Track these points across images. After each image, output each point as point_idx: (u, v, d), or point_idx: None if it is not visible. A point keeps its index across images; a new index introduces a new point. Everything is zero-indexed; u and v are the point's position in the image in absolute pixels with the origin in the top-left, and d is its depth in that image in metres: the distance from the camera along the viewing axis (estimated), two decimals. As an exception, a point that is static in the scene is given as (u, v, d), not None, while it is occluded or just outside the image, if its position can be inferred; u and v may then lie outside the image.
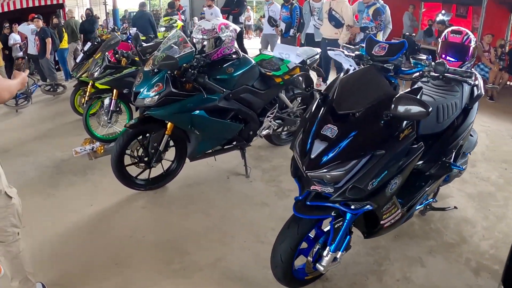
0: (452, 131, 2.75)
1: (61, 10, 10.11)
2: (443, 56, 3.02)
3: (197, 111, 3.33)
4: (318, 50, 4.52)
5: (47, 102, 7.41)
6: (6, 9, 9.02)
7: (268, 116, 4.03)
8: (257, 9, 22.69)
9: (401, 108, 1.90)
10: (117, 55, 4.93)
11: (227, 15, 8.13)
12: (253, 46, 8.41)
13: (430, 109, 1.92)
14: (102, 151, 4.72)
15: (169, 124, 3.41)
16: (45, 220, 3.36)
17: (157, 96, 3.18)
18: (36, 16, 7.98)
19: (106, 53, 4.79)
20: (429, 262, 2.79)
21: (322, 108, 2.16)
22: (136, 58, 4.67)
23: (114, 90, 4.77)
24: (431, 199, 3.07)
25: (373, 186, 2.02)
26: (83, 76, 5.83)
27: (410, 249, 2.89)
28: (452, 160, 2.76)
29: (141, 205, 3.55)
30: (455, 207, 3.32)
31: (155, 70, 3.24)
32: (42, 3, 9.75)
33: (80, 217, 3.39)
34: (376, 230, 2.42)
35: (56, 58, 8.61)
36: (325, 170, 1.97)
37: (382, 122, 1.99)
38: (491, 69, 7.94)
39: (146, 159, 3.55)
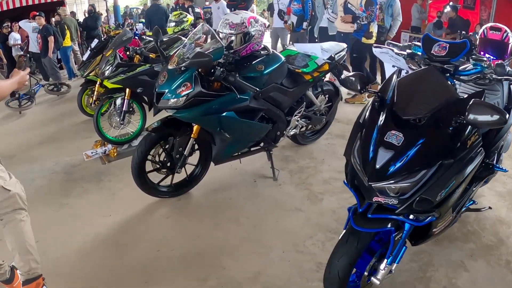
0: (495, 132, 2.56)
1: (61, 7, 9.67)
2: (482, 53, 2.83)
3: (227, 112, 2.98)
4: (344, 45, 4.17)
5: (51, 102, 7.02)
6: (5, 8, 8.58)
7: (296, 115, 3.71)
8: (257, 2, 22.19)
9: (476, 116, 1.72)
10: (128, 52, 4.55)
11: (234, 10, 7.74)
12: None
13: (507, 116, 1.77)
14: (115, 154, 4.37)
15: (195, 127, 3.07)
16: (60, 234, 3.02)
17: (184, 97, 2.83)
18: (37, 13, 7.56)
19: (118, 50, 4.41)
20: (471, 266, 2.60)
21: (381, 112, 1.97)
22: (151, 55, 4.28)
23: (127, 90, 4.41)
24: (472, 201, 2.83)
25: (441, 196, 1.85)
26: (90, 74, 5.48)
27: (452, 253, 2.71)
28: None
29: (165, 214, 3.21)
30: (490, 207, 3.08)
31: (182, 68, 2.89)
32: (42, 1, 9.32)
33: (99, 230, 3.05)
34: (427, 237, 2.25)
35: (59, 57, 8.21)
36: (392, 182, 1.79)
37: (450, 129, 1.82)
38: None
39: (169, 164, 3.21)
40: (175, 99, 2.84)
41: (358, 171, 1.92)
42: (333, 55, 3.86)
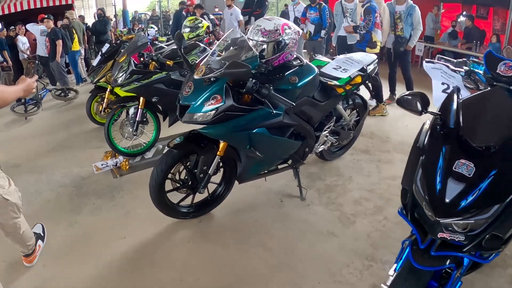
0: None
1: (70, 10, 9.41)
2: None
3: (258, 129, 2.68)
4: (374, 56, 3.89)
5: (58, 108, 6.72)
6: (13, 10, 8.31)
7: (325, 130, 3.41)
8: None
9: None
10: (142, 58, 4.25)
11: (248, 17, 7.48)
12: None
13: None
14: (127, 167, 4.06)
15: (222, 144, 2.77)
16: (70, 257, 2.73)
17: (213, 111, 2.52)
18: (46, 16, 7.29)
19: (132, 56, 4.11)
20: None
21: (444, 136, 1.81)
22: (168, 62, 3.97)
23: (141, 98, 4.11)
24: None
25: (510, 233, 1.69)
26: (101, 81, 5.21)
27: (493, 280, 2.49)
28: None
29: (186, 237, 2.90)
30: None
31: (212, 79, 2.58)
32: (51, 4, 9.05)
33: (113, 253, 2.74)
34: (477, 268, 2.06)
35: (67, 61, 7.93)
36: (464, 217, 1.59)
37: None
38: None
39: (190, 183, 2.90)
40: (203, 114, 2.54)
41: (423, 204, 1.71)
42: (364, 67, 3.58)
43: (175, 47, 4.38)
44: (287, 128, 2.93)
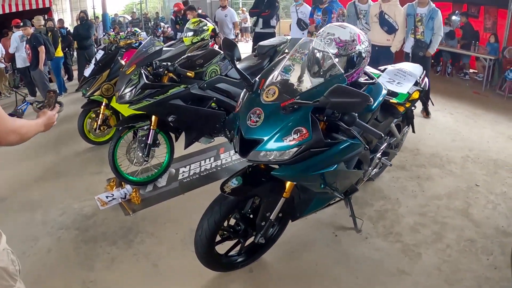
0: None
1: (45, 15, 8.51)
2: None
3: (338, 164, 2.08)
4: (420, 67, 3.40)
5: (42, 124, 5.86)
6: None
7: (379, 152, 2.86)
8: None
9: None
10: (149, 68, 3.49)
11: (257, 18, 6.83)
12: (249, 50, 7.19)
13: None
14: (139, 200, 3.37)
15: (288, 184, 2.15)
16: None
17: (295, 149, 1.90)
18: (21, 22, 6.39)
19: (143, 67, 3.37)
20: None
21: None
22: (189, 73, 3.21)
23: (153, 117, 3.43)
24: None
25: None
26: (95, 94, 4.47)
27: None
28: None
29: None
30: None
31: (295, 106, 1.95)
32: (27, 8, 8.09)
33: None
34: None
35: (49, 69, 7.06)
36: None
37: None
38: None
39: (243, 229, 2.27)
40: (280, 152, 1.91)
41: None
42: (418, 80, 3.06)
43: (203, 51, 3.70)
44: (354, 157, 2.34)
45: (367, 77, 2.40)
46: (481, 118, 5.34)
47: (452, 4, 10.35)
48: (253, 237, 2.31)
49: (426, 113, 5.38)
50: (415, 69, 3.23)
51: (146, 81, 3.24)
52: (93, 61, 4.73)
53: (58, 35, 7.08)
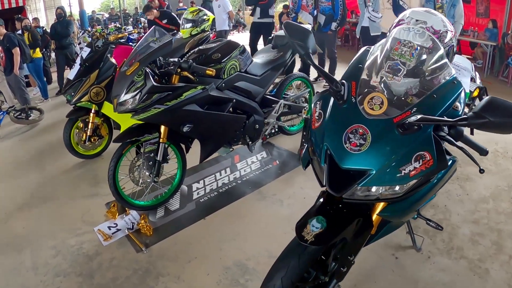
0: None
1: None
2: None
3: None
4: (468, 61, 2.86)
5: (21, 135, 5.01)
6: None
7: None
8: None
9: None
10: (152, 65, 2.75)
11: (254, 8, 6.15)
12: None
13: None
14: (151, 230, 2.68)
15: (375, 218, 1.54)
16: None
17: (414, 181, 1.35)
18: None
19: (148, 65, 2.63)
20: None
21: None
22: (209, 71, 2.52)
23: (162, 127, 2.73)
24: None
25: None
26: (82, 100, 3.72)
27: None
28: None
29: None
30: None
31: (420, 125, 1.34)
32: (-1, 7, 7.15)
33: None
34: None
35: (26, 73, 6.18)
36: None
37: None
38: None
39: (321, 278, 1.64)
40: (395, 186, 1.29)
41: None
42: (473, 76, 2.52)
43: (215, 45, 3.00)
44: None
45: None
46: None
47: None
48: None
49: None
50: (465, 62, 2.70)
51: (154, 83, 2.53)
52: (77, 61, 3.95)
53: (37, 34, 6.20)
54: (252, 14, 6.27)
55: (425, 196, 1.48)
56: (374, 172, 1.33)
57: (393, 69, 1.46)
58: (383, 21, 5.11)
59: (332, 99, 1.52)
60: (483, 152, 1.44)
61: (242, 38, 10.69)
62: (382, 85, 1.48)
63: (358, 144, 1.36)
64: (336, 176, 1.37)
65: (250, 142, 3.23)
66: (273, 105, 3.40)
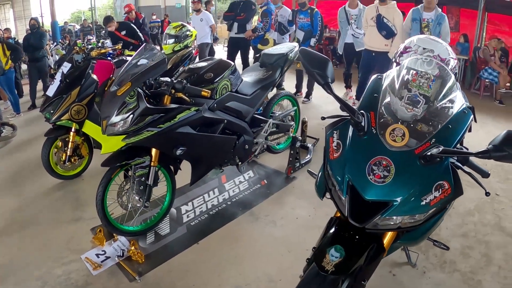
0: None
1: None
2: None
3: None
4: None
5: (-8, 154, 4.76)
6: None
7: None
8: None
9: None
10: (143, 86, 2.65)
11: (231, 23, 6.13)
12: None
13: None
14: (142, 257, 2.58)
15: (387, 242, 1.57)
16: None
17: (434, 209, 1.41)
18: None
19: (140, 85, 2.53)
20: None
21: None
22: (204, 92, 2.43)
23: (153, 150, 2.64)
24: None
25: None
26: (62, 119, 3.56)
27: None
28: None
29: None
30: None
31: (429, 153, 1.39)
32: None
33: None
34: None
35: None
36: None
37: None
38: (500, 73, 7.03)
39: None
40: (416, 215, 1.36)
41: None
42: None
43: (208, 63, 2.95)
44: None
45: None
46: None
47: (414, 5, 10.31)
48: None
49: None
50: None
51: (148, 105, 2.45)
52: (57, 76, 3.77)
53: (16, 44, 5.91)
54: (229, 29, 6.25)
55: (439, 221, 1.54)
56: (397, 202, 1.34)
57: (412, 101, 1.49)
58: (366, 38, 5.21)
59: (350, 130, 1.52)
60: (485, 174, 1.49)
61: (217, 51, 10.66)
62: (400, 116, 1.49)
63: (382, 176, 1.37)
64: (357, 207, 1.37)
65: (240, 163, 3.19)
66: (261, 125, 3.37)
